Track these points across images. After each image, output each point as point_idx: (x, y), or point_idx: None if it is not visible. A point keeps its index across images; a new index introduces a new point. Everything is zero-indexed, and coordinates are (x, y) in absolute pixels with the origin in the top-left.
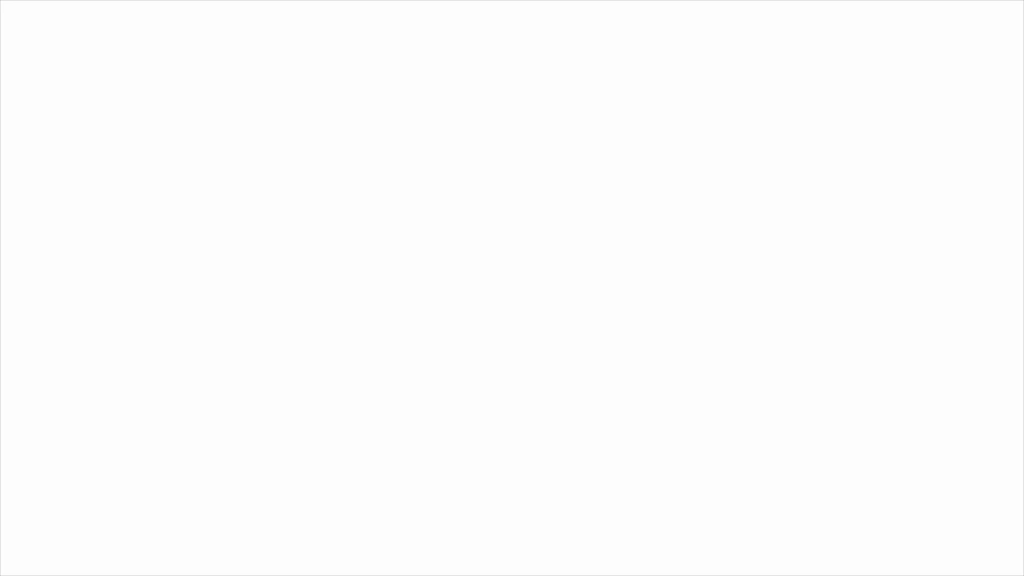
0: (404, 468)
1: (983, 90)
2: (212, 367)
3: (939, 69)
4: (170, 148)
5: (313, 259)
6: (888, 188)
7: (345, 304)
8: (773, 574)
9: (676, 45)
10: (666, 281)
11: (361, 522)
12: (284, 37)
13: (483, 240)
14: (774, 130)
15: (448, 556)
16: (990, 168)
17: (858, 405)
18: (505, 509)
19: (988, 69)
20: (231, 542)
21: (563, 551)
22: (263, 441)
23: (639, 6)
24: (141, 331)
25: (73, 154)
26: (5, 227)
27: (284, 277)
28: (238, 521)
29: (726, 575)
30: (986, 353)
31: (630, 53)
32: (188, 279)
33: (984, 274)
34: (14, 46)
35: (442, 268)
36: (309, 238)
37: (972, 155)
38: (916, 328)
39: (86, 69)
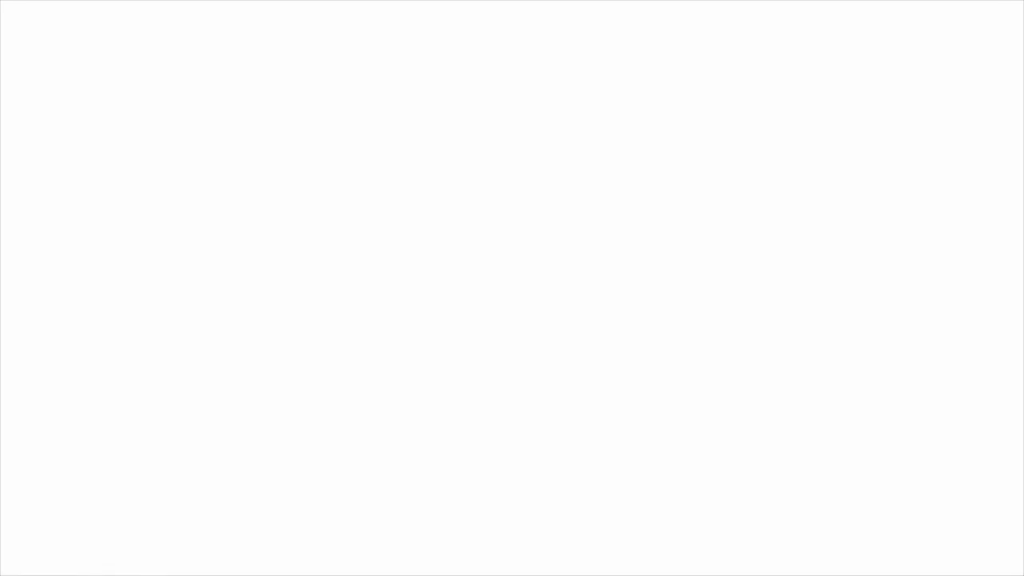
0: (404, 468)
1: (983, 90)
2: (212, 366)
3: (939, 69)
4: (170, 148)
5: (313, 259)
6: (888, 188)
7: (345, 304)
8: (773, 574)
9: (676, 45)
10: (666, 281)
11: (361, 522)
12: (284, 37)
13: (483, 240)
14: (774, 130)
15: (448, 556)
16: (990, 168)
17: (858, 405)
18: (504, 509)
19: (988, 69)
20: (231, 542)
21: (562, 551)
22: (262, 440)
23: (639, 6)
24: (140, 331)
25: (73, 154)
26: (5, 227)
27: (284, 276)
28: (238, 521)
29: (726, 575)
30: (986, 353)
31: (630, 53)
32: (188, 279)
33: (984, 274)
34: (14, 46)
35: (442, 268)
36: (309, 238)
37: (972, 155)
38: (916, 328)
39: (86, 69)
